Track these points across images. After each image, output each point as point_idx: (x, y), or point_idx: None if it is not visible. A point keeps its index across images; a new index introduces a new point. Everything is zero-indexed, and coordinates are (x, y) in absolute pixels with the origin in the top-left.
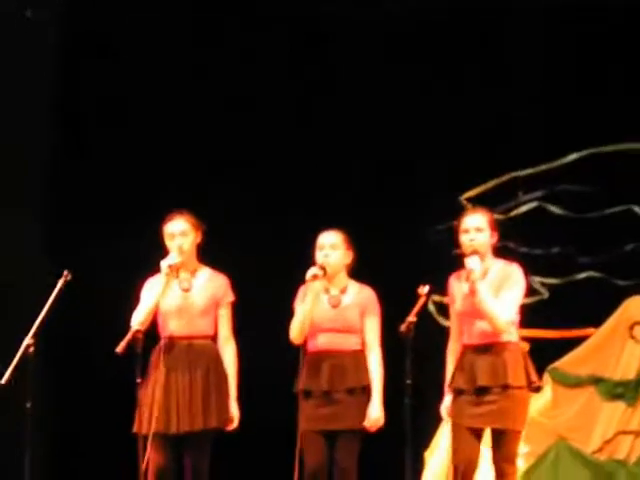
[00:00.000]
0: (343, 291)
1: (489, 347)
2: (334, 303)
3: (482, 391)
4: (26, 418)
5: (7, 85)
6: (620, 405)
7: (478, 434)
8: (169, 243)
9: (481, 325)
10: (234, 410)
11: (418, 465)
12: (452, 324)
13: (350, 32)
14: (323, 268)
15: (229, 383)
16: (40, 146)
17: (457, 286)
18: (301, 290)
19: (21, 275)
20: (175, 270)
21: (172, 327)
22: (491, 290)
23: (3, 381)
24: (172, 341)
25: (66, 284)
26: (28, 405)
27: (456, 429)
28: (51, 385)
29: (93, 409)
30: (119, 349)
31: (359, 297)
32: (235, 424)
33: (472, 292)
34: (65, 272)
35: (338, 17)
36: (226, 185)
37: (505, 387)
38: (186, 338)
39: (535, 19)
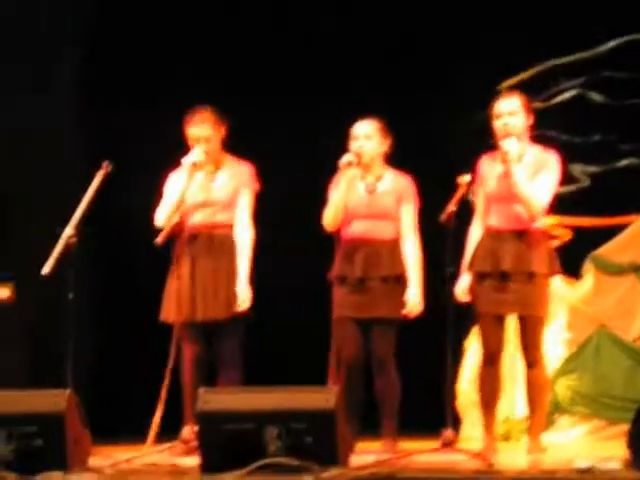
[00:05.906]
0: (379, 179)
1: (517, 233)
2: (370, 189)
3: (506, 277)
4: (68, 309)
5: None
6: None
7: (502, 319)
8: (194, 144)
9: (513, 209)
10: (246, 291)
11: (458, 354)
12: (478, 205)
13: None
14: (358, 155)
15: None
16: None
17: (490, 167)
18: (335, 178)
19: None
20: (199, 167)
21: (196, 219)
22: (526, 174)
23: (45, 272)
24: (196, 232)
25: (107, 176)
26: (70, 296)
27: (482, 318)
28: (92, 276)
29: (133, 299)
30: (159, 240)
31: (395, 185)
32: (247, 305)
33: (507, 174)
34: (105, 163)
35: None
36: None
37: (530, 275)
38: (209, 229)
39: None
